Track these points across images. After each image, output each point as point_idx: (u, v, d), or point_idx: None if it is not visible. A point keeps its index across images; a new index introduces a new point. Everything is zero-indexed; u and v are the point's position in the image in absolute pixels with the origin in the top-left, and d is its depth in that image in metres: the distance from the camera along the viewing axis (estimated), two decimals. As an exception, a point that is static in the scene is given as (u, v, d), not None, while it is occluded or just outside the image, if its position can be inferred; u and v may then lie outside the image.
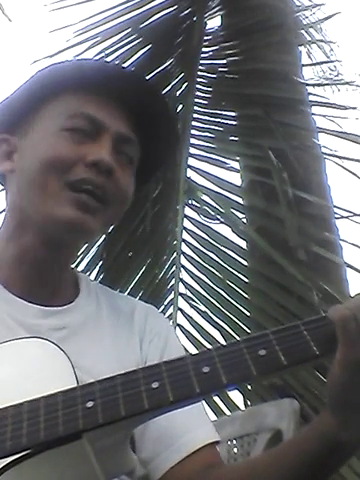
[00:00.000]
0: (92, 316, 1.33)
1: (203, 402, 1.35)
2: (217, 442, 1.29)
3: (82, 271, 3.52)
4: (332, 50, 5.53)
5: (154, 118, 1.33)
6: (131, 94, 1.29)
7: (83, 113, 1.28)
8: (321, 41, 5.07)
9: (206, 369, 0.99)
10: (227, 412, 3.23)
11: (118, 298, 1.43)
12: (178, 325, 3.53)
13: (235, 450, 1.85)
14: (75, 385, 1.04)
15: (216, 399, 3.26)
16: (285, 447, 1.18)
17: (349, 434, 1.04)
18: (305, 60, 4.82)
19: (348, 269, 3.53)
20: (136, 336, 1.34)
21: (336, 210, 3.63)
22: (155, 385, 0.98)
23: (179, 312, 3.57)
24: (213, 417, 3.20)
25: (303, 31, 4.41)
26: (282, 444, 1.20)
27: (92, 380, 1.13)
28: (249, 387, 3.29)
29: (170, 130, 1.38)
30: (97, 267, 3.72)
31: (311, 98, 3.96)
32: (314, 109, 3.91)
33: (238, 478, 1.20)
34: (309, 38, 4.63)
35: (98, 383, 1.02)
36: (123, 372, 1.03)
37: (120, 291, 3.62)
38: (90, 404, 0.98)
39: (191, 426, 1.26)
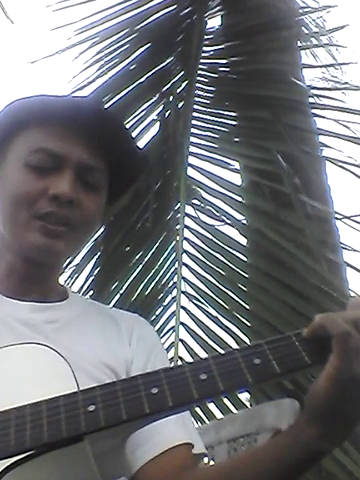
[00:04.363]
0: (81, 315, 1.43)
1: None
2: (193, 446, 1.32)
3: (77, 265, 3.63)
4: (338, 50, 5.50)
5: (116, 144, 1.40)
6: (92, 124, 1.35)
7: (43, 148, 1.36)
8: (328, 45, 5.05)
9: (204, 376, 1.03)
10: (233, 410, 3.25)
11: (106, 308, 1.56)
12: (182, 323, 3.54)
13: (236, 450, 1.87)
14: (75, 389, 1.07)
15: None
16: (263, 452, 1.19)
17: (329, 443, 1.07)
18: (311, 62, 4.83)
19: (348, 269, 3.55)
20: (124, 336, 1.42)
21: (336, 210, 3.65)
22: (154, 390, 1.01)
23: (182, 310, 3.59)
24: (219, 415, 3.23)
25: (307, 33, 4.39)
26: (259, 448, 1.22)
27: (87, 364, 1.26)
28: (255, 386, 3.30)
29: (131, 149, 1.45)
30: (92, 261, 3.75)
31: (320, 100, 3.96)
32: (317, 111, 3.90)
33: None
34: (316, 42, 4.62)
35: (99, 388, 1.04)
36: (122, 378, 1.08)
37: (117, 287, 3.67)
38: (92, 408, 1.01)
39: (168, 425, 1.28)
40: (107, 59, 3.98)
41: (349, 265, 3.52)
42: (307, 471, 1.13)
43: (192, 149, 3.86)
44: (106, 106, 3.68)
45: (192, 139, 3.87)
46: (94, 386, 1.05)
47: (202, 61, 4.04)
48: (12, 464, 1.00)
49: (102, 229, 3.73)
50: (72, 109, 1.37)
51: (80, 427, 1.00)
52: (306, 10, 4.44)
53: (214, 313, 3.53)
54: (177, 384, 1.02)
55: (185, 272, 3.65)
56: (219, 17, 4.19)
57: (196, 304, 3.58)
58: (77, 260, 3.71)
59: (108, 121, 1.41)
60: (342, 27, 4.27)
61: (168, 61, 4.04)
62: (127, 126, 3.35)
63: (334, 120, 3.76)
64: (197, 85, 3.97)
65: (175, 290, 3.64)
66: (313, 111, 3.85)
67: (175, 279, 3.66)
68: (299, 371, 1.05)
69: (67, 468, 1.02)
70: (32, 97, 1.38)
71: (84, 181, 1.37)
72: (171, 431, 1.30)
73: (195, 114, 3.94)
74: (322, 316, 1.07)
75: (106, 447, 1.04)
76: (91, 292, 3.65)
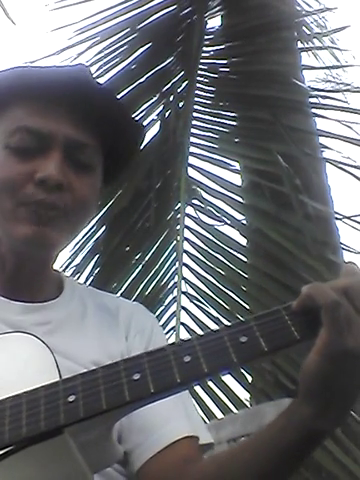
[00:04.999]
0: (76, 312, 1.33)
1: (189, 396, 1.35)
2: (198, 438, 1.27)
3: (77, 265, 3.62)
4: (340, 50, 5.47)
5: (106, 115, 1.26)
6: (78, 96, 1.22)
7: (25, 127, 1.23)
8: (329, 48, 5.03)
9: (187, 358, 0.97)
10: (233, 409, 3.23)
11: (104, 297, 1.43)
12: (182, 324, 3.53)
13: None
14: (58, 379, 1.03)
15: (222, 397, 3.27)
16: (262, 438, 1.13)
17: (326, 422, 1.01)
18: (312, 63, 4.82)
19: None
20: (122, 329, 1.34)
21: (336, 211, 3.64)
22: (136, 376, 0.97)
23: (183, 311, 3.57)
24: (219, 415, 3.22)
25: (309, 34, 4.37)
26: (258, 435, 1.16)
27: (80, 368, 1.14)
28: (256, 386, 3.30)
29: (127, 123, 1.32)
30: (92, 261, 3.74)
31: (320, 101, 3.95)
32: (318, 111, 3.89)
33: (216, 471, 1.17)
34: (317, 43, 4.60)
35: (80, 376, 1.01)
36: (105, 364, 1.02)
37: (117, 286, 3.66)
38: (72, 398, 0.97)
39: (171, 418, 1.25)
40: (107, 59, 3.98)
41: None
42: (308, 456, 1.07)
43: (192, 149, 3.85)
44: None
45: (192, 139, 3.87)
46: (76, 374, 1.01)
47: (202, 61, 4.03)
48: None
49: (102, 229, 3.74)
50: (53, 81, 1.22)
51: (59, 420, 0.96)
52: (307, 11, 4.42)
53: (214, 313, 3.52)
54: (160, 368, 0.97)
55: (185, 272, 3.64)
56: (219, 17, 4.18)
57: (196, 304, 3.56)
58: (77, 260, 3.72)
59: (95, 91, 1.26)
60: (342, 28, 4.26)
61: (168, 61, 4.04)
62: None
63: (335, 120, 3.75)
64: (197, 85, 3.97)
65: (175, 290, 3.62)
66: (314, 111, 3.84)
67: (175, 279, 3.65)
68: (288, 347, 0.99)
69: (51, 461, 0.98)
70: (9, 70, 1.25)
71: (74, 161, 1.24)
72: (173, 425, 1.25)
73: (195, 114, 3.93)
74: (309, 286, 1.00)
75: (91, 436, 1.00)
76: (91, 292, 3.63)
